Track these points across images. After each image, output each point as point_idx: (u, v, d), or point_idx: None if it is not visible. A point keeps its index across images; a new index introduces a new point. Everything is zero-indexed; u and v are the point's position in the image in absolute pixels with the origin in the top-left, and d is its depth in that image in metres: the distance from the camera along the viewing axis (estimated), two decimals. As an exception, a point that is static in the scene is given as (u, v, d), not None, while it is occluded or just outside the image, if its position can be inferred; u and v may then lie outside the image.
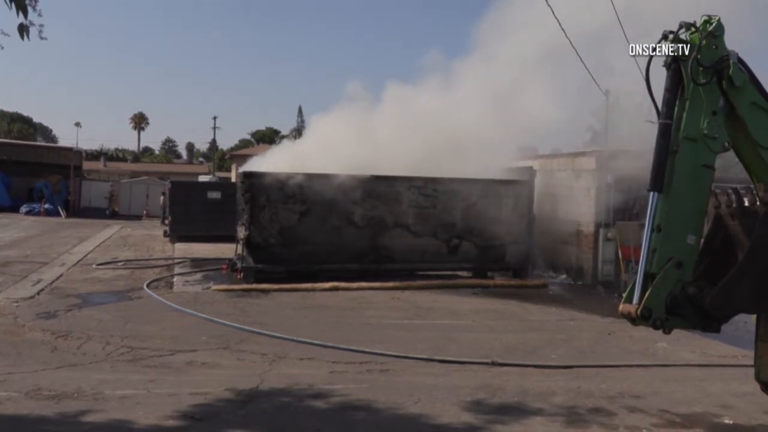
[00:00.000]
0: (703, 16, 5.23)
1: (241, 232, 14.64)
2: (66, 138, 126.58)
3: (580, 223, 16.14)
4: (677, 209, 5.11)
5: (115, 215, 36.46)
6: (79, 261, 16.99)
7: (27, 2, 5.10)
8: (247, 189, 14.35)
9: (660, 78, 5.33)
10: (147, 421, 5.95)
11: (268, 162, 16.33)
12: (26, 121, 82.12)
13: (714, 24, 5.18)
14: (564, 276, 16.39)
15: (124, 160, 77.40)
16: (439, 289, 14.12)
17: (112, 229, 27.43)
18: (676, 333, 5.67)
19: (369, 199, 14.93)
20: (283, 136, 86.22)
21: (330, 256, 14.59)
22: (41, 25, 5.92)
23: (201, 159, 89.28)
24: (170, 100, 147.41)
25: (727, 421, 6.51)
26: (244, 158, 33.84)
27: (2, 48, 5.56)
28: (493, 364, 8.26)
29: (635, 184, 13.34)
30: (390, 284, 13.97)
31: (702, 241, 5.40)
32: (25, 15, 5.13)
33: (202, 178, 37.38)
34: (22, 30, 5.26)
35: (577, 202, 16.27)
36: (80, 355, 8.20)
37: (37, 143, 60.39)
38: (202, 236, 20.92)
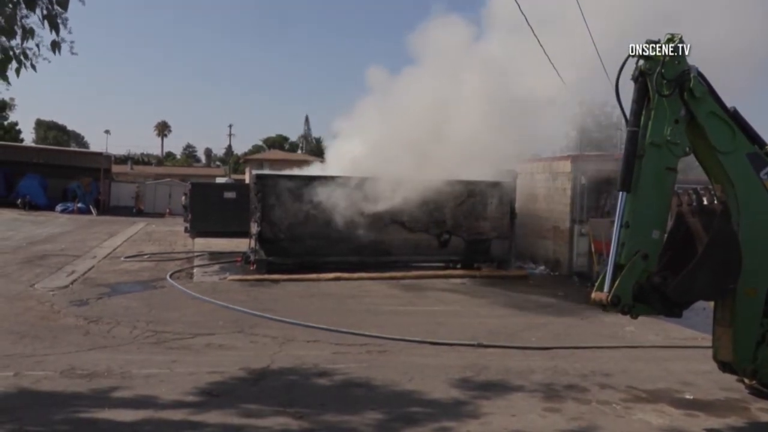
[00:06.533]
0: (666, 33, 5.23)
1: (254, 228, 14.60)
2: (97, 144, 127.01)
3: (557, 220, 16.16)
4: (643, 207, 5.11)
5: (140, 213, 36.28)
6: (109, 254, 16.93)
7: (59, 21, 5.07)
8: (259, 189, 14.32)
9: (628, 90, 5.33)
10: (170, 396, 5.96)
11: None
12: (61, 129, 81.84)
13: (676, 41, 5.17)
14: (542, 267, 16.37)
15: (148, 163, 77.08)
16: (431, 279, 14.10)
17: (138, 225, 27.32)
18: (642, 318, 5.67)
19: (368, 198, 14.86)
20: (294, 143, 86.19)
21: (333, 250, 14.54)
22: (72, 42, 5.90)
23: (218, 163, 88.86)
24: (190, 109, 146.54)
25: (688, 397, 6.54)
26: (256, 162, 33.94)
27: (9, 87, 5.56)
28: (479, 345, 8.27)
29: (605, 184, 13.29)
30: (387, 275, 13.93)
31: (665, 235, 5.40)
32: (57, 33, 5.09)
33: (219, 180, 37.23)
34: (55, 46, 5.23)
35: (555, 201, 16.30)
36: (110, 338, 8.19)
37: (71, 149, 60.03)
38: (219, 232, 20.83)
